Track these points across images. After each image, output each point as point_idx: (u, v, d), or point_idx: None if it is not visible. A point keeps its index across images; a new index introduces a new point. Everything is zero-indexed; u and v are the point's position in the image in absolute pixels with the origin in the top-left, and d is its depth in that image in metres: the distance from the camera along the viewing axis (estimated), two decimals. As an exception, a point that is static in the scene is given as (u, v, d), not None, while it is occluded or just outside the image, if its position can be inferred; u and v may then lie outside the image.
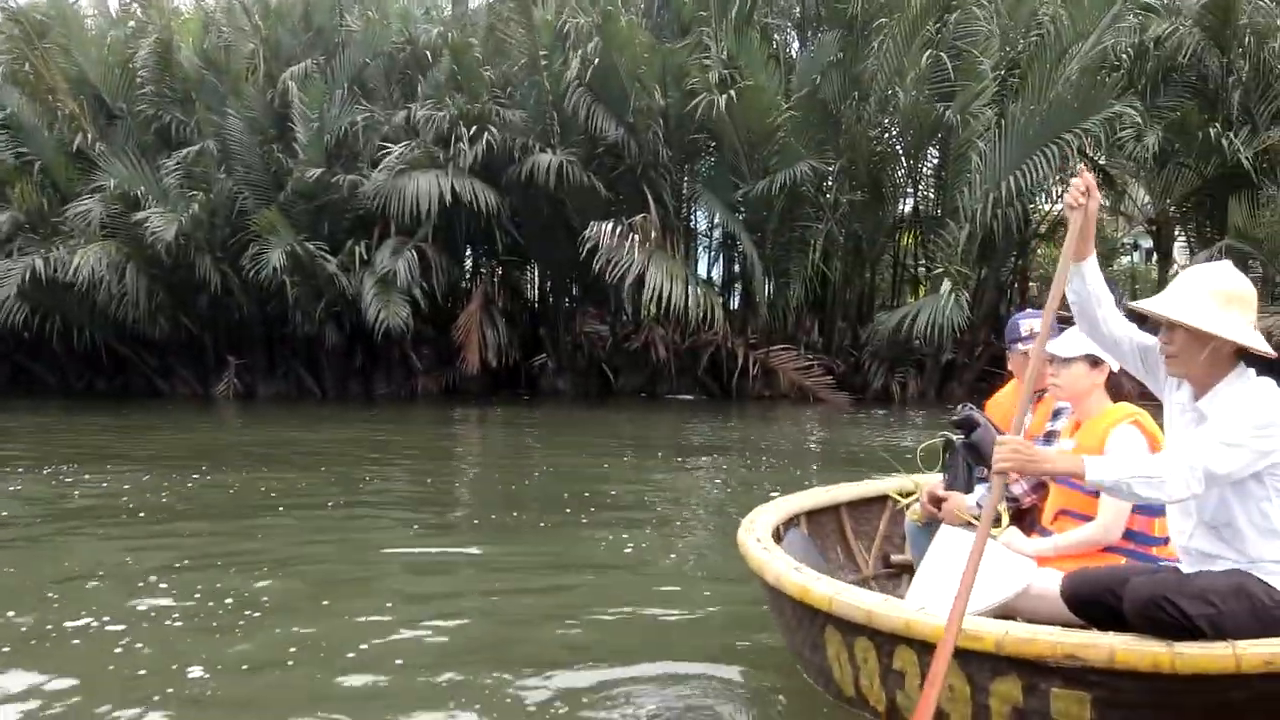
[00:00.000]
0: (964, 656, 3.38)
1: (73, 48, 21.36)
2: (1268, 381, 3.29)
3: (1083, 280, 3.47)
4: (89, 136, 20.40)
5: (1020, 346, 4.62)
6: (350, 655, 4.88)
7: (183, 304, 20.57)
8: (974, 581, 3.23)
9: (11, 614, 5.46)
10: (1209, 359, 3.28)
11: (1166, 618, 3.16)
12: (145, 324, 20.12)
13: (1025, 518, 4.41)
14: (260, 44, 21.51)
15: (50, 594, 5.93)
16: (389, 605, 5.82)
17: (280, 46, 21.63)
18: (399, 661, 4.81)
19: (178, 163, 19.65)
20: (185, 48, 21.44)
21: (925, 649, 3.47)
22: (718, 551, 7.01)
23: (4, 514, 8.61)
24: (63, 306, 19.94)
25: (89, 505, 9.06)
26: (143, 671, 4.64)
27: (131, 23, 23.07)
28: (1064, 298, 3.49)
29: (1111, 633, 3.28)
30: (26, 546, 7.52)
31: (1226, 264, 3.46)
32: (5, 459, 11.67)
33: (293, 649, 4.97)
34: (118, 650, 4.92)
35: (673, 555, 7.10)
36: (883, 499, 5.54)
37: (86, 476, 10.35)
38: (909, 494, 5.16)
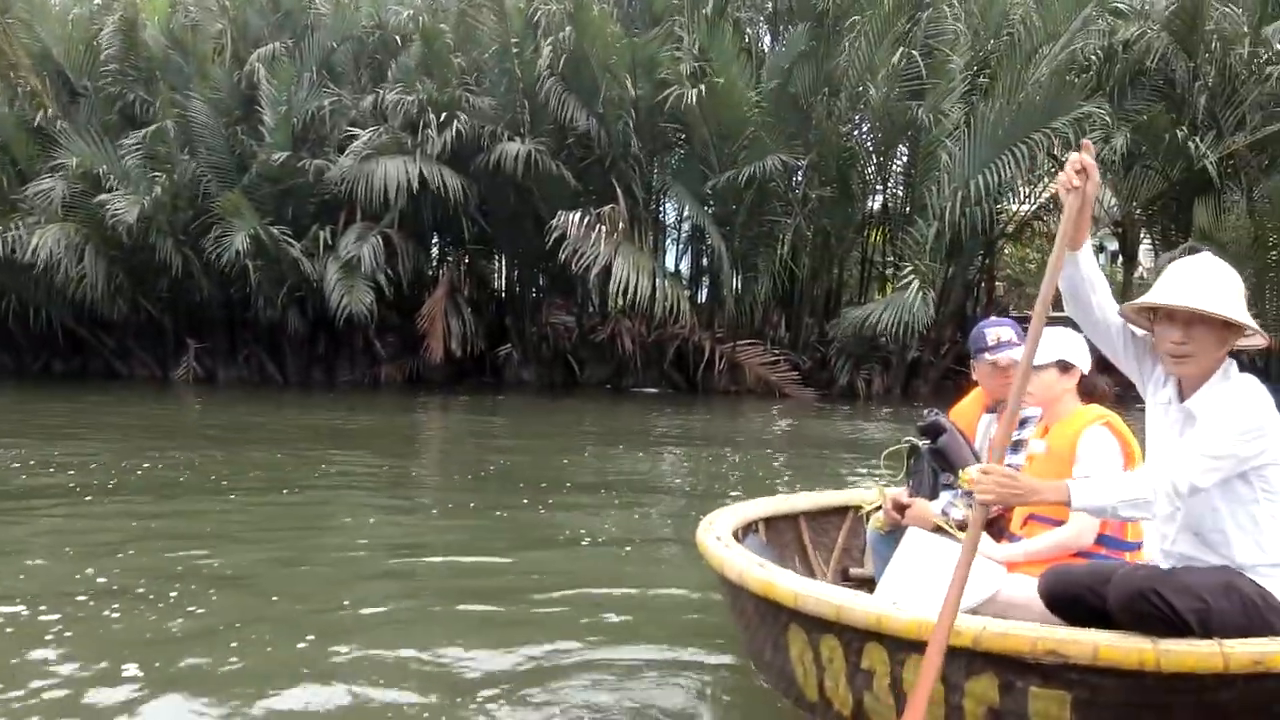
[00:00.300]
0: None
1: (36, 23, 21.00)
2: (1251, 380, 3.21)
3: (1077, 267, 3.28)
4: (50, 113, 20.07)
5: (987, 356, 4.48)
6: (298, 644, 4.78)
7: (143, 286, 20.30)
8: (964, 584, 3.13)
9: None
10: (1222, 356, 3.20)
11: (1153, 610, 3.07)
12: (104, 306, 19.85)
13: (993, 525, 4.32)
14: (228, 24, 21.24)
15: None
16: (339, 592, 5.73)
17: (248, 27, 21.37)
18: (344, 649, 4.72)
19: (137, 142, 19.37)
20: (151, 26, 21.12)
21: (897, 646, 3.38)
22: (676, 550, 6.93)
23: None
24: (19, 286, 19.64)
25: (36, 486, 8.89)
26: (74, 665, 4.50)
27: (97, 0, 22.72)
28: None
29: (1094, 629, 3.18)
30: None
31: (1210, 255, 3.36)
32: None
33: (237, 641, 4.85)
34: (48, 637, 4.80)
35: (628, 549, 7.02)
36: (843, 510, 5.39)
37: (33, 461, 10.12)
38: (872, 505, 5.05)
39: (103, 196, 18.57)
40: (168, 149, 19.29)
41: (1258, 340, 3.25)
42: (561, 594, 5.81)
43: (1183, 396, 3.27)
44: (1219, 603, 3.09)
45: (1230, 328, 3.18)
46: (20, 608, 5.22)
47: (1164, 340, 3.22)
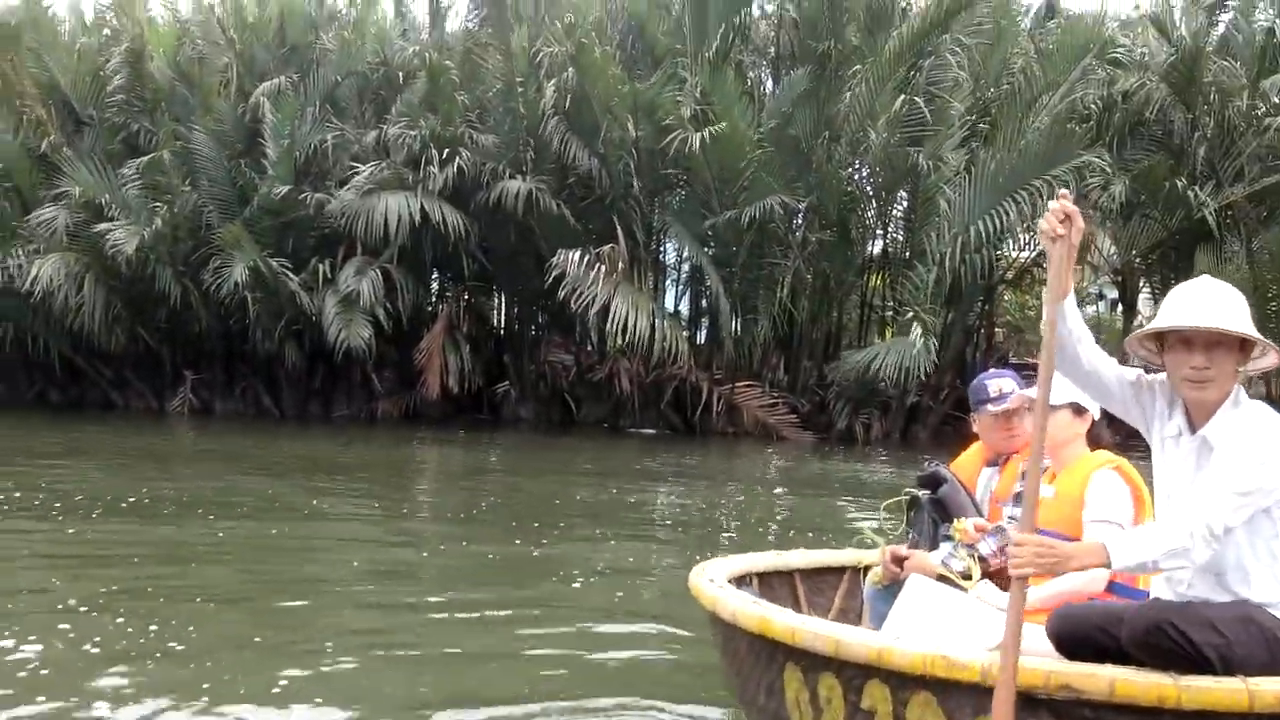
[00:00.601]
0: (942, 690, 3.14)
1: (44, 52, 21.14)
2: (1262, 405, 3.14)
3: (1063, 320, 3.17)
4: (54, 141, 20.14)
5: (990, 408, 4.36)
6: (276, 681, 4.69)
7: (141, 316, 20.29)
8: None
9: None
10: (1235, 379, 3.12)
11: (1170, 644, 2.94)
12: (101, 336, 19.82)
13: (1000, 574, 4.19)
14: (234, 58, 21.39)
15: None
16: (323, 624, 5.67)
17: (254, 61, 21.53)
18: (323, 681, 4.66)
19: (136, 172, 19.45)
20: (158, 58, 21.28)
21: (900, 683, 3.25)
22: (669, 594, 6.78)
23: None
24: (17, 314, 19.61)
25: (22, 510, 8.82)
26: (47, 688, 4.42)
27: (106, 30, 22.89)
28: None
29: (1111, 665, 3.03)
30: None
31: (1209, 277, 3.30)
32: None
33: (213, 674, 4.76)
34: (23, 674, 4.70)
35: (620, 593, 6.93)
36: (840, 570, 5.17)
37: (18, 493, 9.98)
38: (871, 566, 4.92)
39: (103, 226, 18.61)
40: (168, 179, 19.33)
41: (1270, 359, 3.17)
42: (551, 633, 5.75)
43: (1194, 427, 3.18)
44: (1239, 637, 2.97)
45: (1243, 348, 3.12)
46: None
47: (1182, 366, 3.13)
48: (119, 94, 20.66)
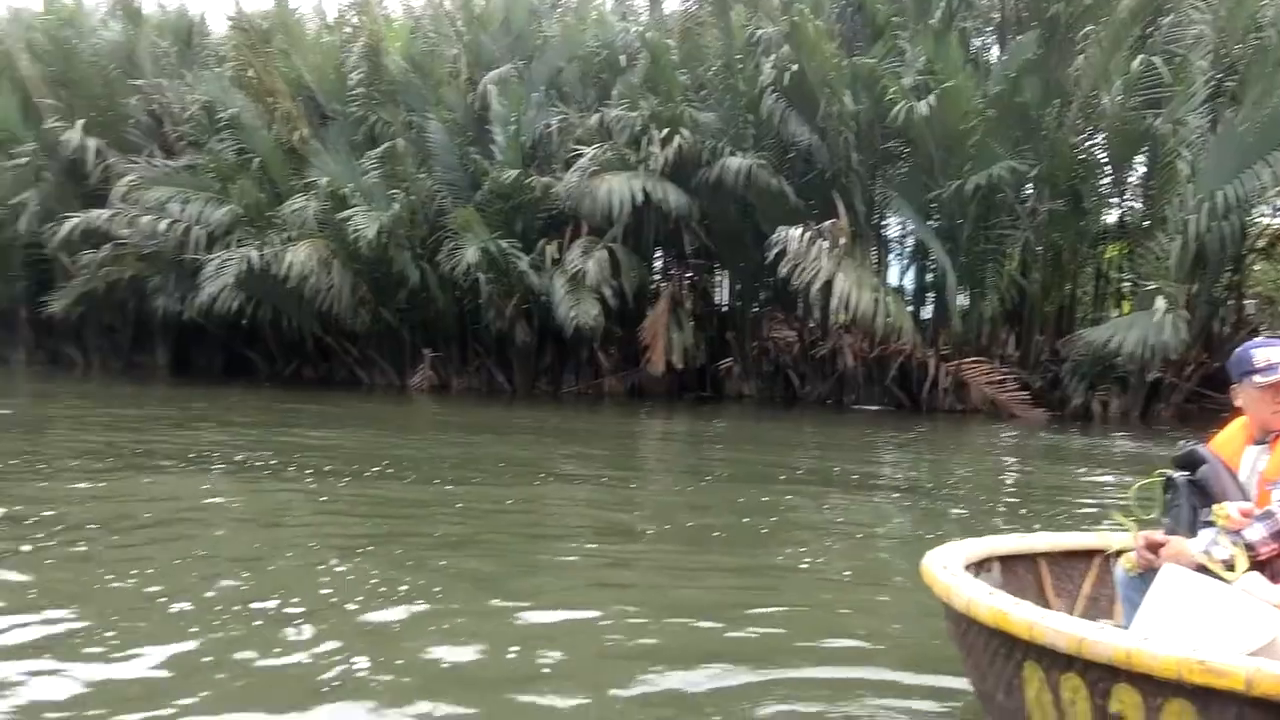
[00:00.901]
0: (1201, 698, 2.89)
1: (292, 52, 22.54)
2: None
3: None
4: (304, 135, 21.46)
5: (1257, 379, 3.98)
6: (504, 635, 4.97)
7: (383, 298, 21.42)
8: None
9: (223, 583, 5.82)
10: None
11: None
12: (348, 316, 21.06)
13: (1265, 568, 3.80)
14: (462, 49, 22.26)
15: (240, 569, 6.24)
16: (553, 587, 5.98)
17: (481, 51, 22.32)
18: (554, 655, 4.81)
19: (375, 162, 20.54)
20: (393, 52, 22.36)
21: (1152, 688, 3.02)
22: (902, 578, 6.61)
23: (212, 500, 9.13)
24: (274, 297, 21.04)
25: (286, 467, 9.53)
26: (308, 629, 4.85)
27: (347, 29, 24.21)
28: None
29: None
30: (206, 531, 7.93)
31: None
32: (213, 447, 12.42)
33: (446, 644, 4.98)
34: (290, 628, 5.11)
35: (848, 573, 6.83)
36: (1090, 554, 4.78)
37: (277, 460, 10.84)
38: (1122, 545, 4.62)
39: (346, 213, 19.76)
40: (404, 168, 20.34)
41: None
42: (780, 599, 5.84)
43: None
44: None
45: None
46: (271, 601, 5.60)
47: None
48: (359, 88, 21.84)
